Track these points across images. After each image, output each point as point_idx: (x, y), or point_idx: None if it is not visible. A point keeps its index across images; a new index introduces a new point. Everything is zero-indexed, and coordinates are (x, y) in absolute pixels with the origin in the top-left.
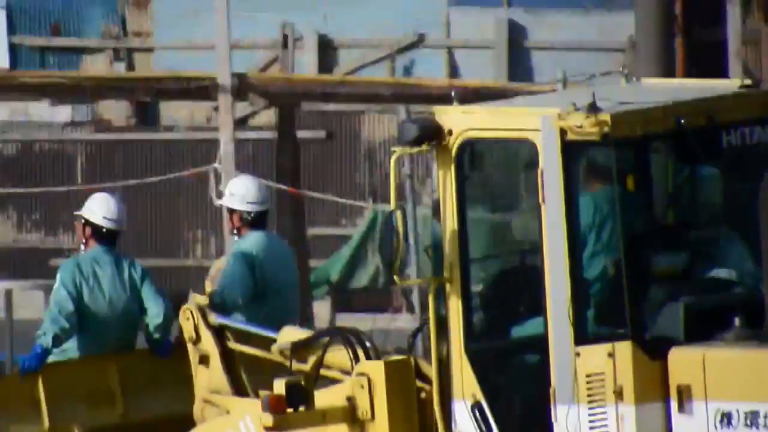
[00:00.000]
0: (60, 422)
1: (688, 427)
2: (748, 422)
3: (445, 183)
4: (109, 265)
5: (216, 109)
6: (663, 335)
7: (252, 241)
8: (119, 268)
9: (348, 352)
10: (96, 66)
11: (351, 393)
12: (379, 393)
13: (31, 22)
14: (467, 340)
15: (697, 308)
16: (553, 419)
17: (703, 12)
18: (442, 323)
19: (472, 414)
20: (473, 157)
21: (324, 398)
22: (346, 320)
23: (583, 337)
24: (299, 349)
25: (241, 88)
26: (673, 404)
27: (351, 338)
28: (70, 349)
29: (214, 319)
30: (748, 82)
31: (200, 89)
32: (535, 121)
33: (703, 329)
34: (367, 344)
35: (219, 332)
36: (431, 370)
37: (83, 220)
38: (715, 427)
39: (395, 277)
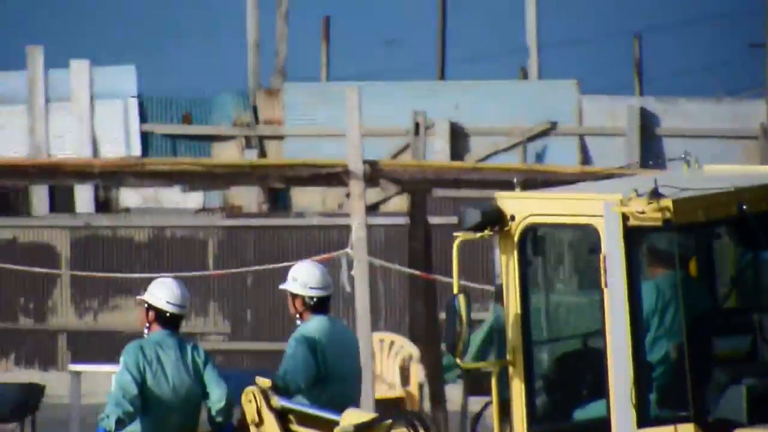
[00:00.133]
0: None
1: None
2: None
3: (507, 268)
4: (172, 349)
5: (348, 195)
6: (725, 418)
7: (314, 325)
8: (182, 351)
9: None
10: (226, 153)
11: None
12: None
13: (163, 110)
14: (530, 422)
15: (759, 391)
16: None
17: None
18: (505, 406)
19: None
20: (535, 242)
21: None
22: (479, 403)
23: (645, 419)
24: None
25: (373, 174)
26: None
27: (414, 421)
28: None
29: (277, 401)
30: None
31: (332, 175)
32: (597, 207)
33: (765, 412)
34: (430, 428)
35: (282, 415)
36: None
37: (146, 305)
38: None
39: (457, 360)
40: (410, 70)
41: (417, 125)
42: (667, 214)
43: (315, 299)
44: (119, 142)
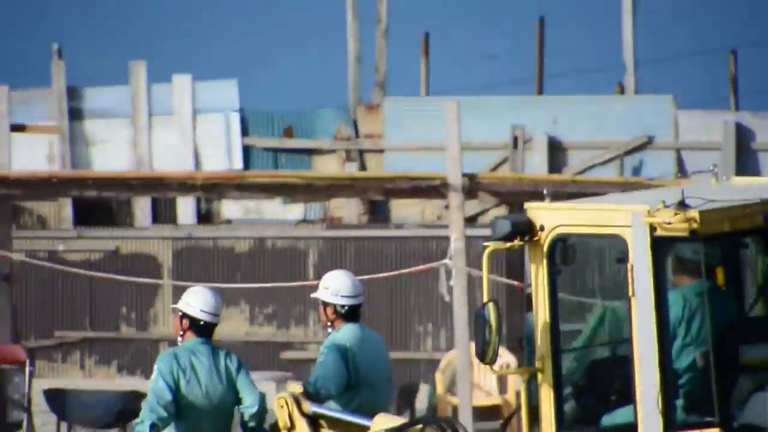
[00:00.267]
0: None
1: None
2: None
3: (537, 277)
4: (206, 357)
5: (447, 207)
6: (750, 423)
7: (346, 333)
8: (216, 359)
9: None
10: (327, 166)
11: None
12: None
13: (264, 124)
14: (558, 428)
15: None
16: None
17: None
18: (533, 412)
19: None
20: (565, 252)
21: None
22: None
23: (672, 425)
24: None
25: (472, 186)
26: None
27: (444, 426)
28: None
29: (308, 407)
30: None
31: (431, 188)
32: (625, 218)
33: None
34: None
35: (313, 421)
36: None
37: (180, 313)
38: None
39: (488, 366)
40: (508, 85)
41: (515, 139)
42: (694, 225)
43: (346, 307)
44: (221, 155)
